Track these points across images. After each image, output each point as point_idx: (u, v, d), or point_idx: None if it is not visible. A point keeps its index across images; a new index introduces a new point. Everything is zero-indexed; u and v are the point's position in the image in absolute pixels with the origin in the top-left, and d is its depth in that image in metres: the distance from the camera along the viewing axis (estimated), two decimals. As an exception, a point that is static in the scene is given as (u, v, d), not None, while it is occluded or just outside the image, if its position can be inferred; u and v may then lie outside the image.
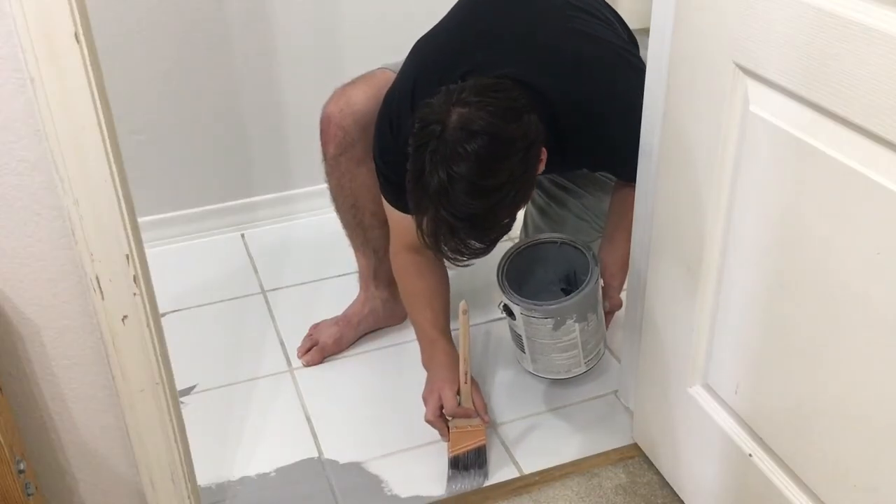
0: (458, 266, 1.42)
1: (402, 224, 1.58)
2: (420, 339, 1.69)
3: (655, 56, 1.29)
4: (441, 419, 1.58)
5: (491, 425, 1.64)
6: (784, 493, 1.19)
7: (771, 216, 1.11)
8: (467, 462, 1.55)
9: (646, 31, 1.33)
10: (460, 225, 1.30)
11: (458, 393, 1.57)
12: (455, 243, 1.32)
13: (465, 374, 1.55)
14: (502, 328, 1.84)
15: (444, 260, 1.42)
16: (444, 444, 1.59)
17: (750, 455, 1.25)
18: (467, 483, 1.54)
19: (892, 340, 0.95)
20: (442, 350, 1.63)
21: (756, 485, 1.25)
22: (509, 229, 1.38)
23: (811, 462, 1.14)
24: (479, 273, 1.72)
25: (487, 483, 1.54)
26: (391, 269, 1.83)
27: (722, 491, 1.35)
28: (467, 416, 1.57)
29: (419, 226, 1.34)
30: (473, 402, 1.58)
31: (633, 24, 1.66)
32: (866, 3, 0.90)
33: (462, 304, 1.50)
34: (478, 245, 1.34)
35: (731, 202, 1.18)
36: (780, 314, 1.13)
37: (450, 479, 1.55)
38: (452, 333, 1.68)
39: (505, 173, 1.29)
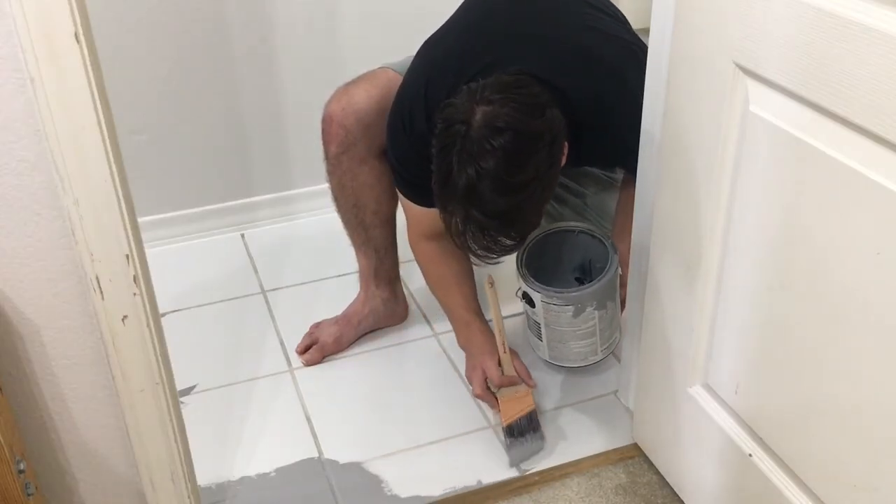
0: (489, 263, 1.42)
1: (418, 214, 1.60)
2: (453, 322, 1.71)
3: (655, 56, 1.29)
4: (488, 392, 1.60)
5: (490, 426, 1.64)
6: (784, 493, 1.19)
7: (771, 216, 1.11)
8: (522, 428, 1.57)
9: (646, 31, 1.33)
10: (489, 223, 1.29)
11: (500, 364, 1.58)
12: (485, 241, 1.32)
13: (503, 344, 1.57)
14: (507, 324, 1.84)
15: (474, 258, 1.42)
16: (445, 444, 1.60)
17: (750, 455, 1.25)
18: (527, 448, 1.56)
19: (892, 340, 0.96)
20: (478, 329, 1.66)
21: (756, 485, 1.25)
22: (537, 225, 1.39)
23: (811, 462, 1.14)
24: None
25: (486, 482, 1.53)
26: (391, 268, 1.83)
27: (722, 491, 1.35)
28: (512, 384, 1.59)
29: (448, 226, 1.34)
30: (516, 369, 1.59)
31: (633, 24, 1.66)
32: (866, 3, 0.90)
33: (488, 277, 1.51)
34: (507, 242, 1.34)
35: (731, 202, 1.18)
36: (780, 314, 1.13)
37: (508, 447, 1.56)
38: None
39: (532, 169, 1.28)
